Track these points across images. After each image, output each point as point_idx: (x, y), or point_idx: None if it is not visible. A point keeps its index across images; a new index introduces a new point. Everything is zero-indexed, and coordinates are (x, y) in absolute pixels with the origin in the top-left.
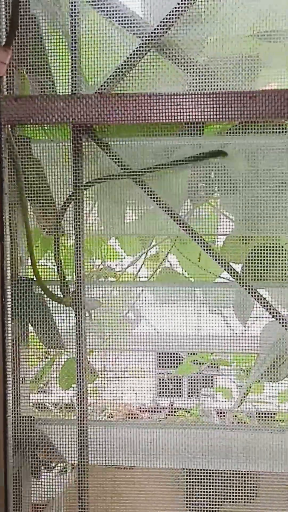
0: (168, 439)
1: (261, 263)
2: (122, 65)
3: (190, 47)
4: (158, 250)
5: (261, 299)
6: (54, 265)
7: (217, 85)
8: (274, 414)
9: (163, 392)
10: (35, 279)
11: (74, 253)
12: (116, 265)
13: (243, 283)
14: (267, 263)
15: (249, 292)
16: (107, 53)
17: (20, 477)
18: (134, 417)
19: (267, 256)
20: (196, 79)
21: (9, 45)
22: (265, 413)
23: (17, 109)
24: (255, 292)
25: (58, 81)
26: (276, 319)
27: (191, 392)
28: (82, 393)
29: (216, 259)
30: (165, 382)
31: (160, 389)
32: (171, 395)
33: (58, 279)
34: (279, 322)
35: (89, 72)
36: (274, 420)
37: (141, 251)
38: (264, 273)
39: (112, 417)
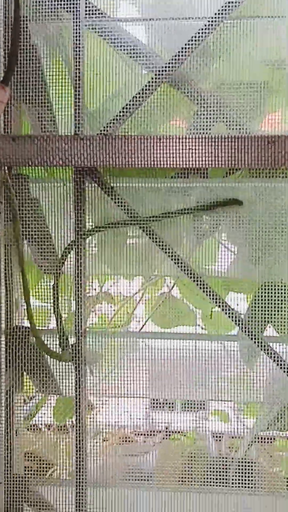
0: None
1: (267, 307)
2: (130, 101)
3: (197, 76)
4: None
5: (266, 346)
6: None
7: (224, 113)
8: (273, 439)
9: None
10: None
11: (75, 308)
12: (111, 285)
13: (248, 330)
14: (273, 306)
15: (253, 340)
16: (113, 87)
17: None
18: (129, 442)
19: (273, 298)
20: (202, 108)
21: (7, 82)
22: (264, 439)
23: (15, 150)
24: (260, 340)
25: (60, 119)
26: (280, 368)
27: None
28: (81, 461)
29: (220, 307)
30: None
31: (154, 406)
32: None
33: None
34: (284, 371)
35: (94, 109)
36: (273, 446)
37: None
38: (270, 316)
39: (107, 440)
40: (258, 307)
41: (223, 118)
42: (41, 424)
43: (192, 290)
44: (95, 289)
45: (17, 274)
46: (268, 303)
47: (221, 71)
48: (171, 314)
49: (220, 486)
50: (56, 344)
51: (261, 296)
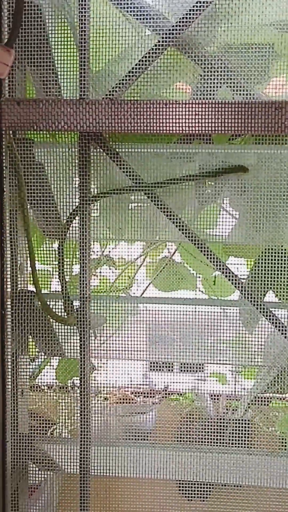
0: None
1: (268, 272)
2: (136, 64)
3: (204, 39)
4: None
5: (266, 311)
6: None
7: (230, 77)
8: (269, 400)
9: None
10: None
11: (80, 274)
12: (112, 249)
13: (249, 295)
14: (274, 272)
15: (253, 304)
16: (119, 49)
17: (17, 494)
18: (129, 402)
19: (274, 264)
20: (208, 72)
21: (11, 44)
22: (260, 400)
23: (19, 113)
24: (260, 304)
25: (65, 83)
26: (281, 332)
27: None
28: (86, 421)
29: (222, 271)
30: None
31: (153, 368)
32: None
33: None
34: (284, 336)
35: (99, 72)
36: (268, 407)
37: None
38: (271, 281)
39: (107, 400)
40: (259, 272)
41: (228, 81)
42: (43, 384)
43: (193, 254)
44: (96, 253)
45: (22, 239)
46: (269, 269)
47: (228, 33)
48: (172, 278)
49: (217, 445)
50: (59, 307)
51: (262, 261)
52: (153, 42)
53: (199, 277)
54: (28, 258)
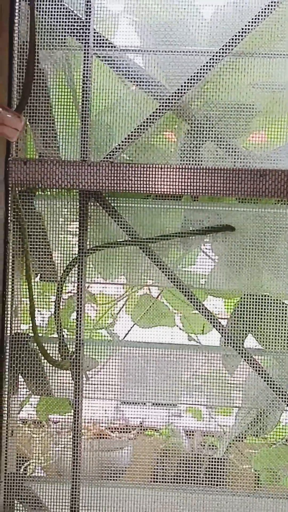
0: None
1: (248, 316)
2: (136, 129)
3: (188, 95)
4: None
5: (245, 354)
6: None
7: (212, 131)
8: (243, 438)
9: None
10: (32, 337)
11: (76, 319)
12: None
13: (229, 338)
14: (254, 315)
15: (234, 347)
16: (119, 115)
17: None
18: (104, 437)
19: (254, 308)
20: (192, 126)
21: (21, 110)
22: (235, 437)
23: (26, 172)
24: (240, 347)
25: (65, 142)
26: (259, 374)
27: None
28: (76, 458)
29: (206, 316)
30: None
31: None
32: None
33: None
34: (264, 380)
35: (99, 135)
36: (243, 444)
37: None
38: (251, 324)
39: (82, 435)
40: (240, 316)
41: (213, 136)
42: (18, 419)
43: (172, 292)
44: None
45: (19, 284)
46: (250, 313)
47: (215, 91)
48: (151, 315)
49: (192, 483)
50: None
51: (243, 306)
52: (151, 106)
53: (178, 314)
54: (28, 304)
